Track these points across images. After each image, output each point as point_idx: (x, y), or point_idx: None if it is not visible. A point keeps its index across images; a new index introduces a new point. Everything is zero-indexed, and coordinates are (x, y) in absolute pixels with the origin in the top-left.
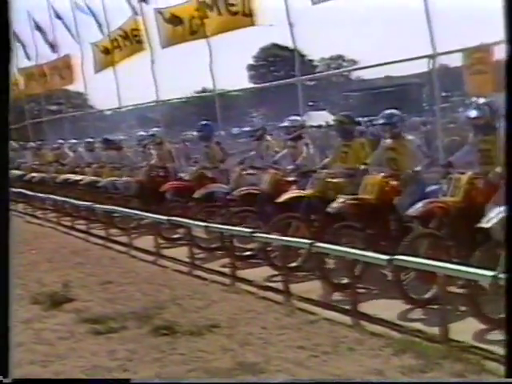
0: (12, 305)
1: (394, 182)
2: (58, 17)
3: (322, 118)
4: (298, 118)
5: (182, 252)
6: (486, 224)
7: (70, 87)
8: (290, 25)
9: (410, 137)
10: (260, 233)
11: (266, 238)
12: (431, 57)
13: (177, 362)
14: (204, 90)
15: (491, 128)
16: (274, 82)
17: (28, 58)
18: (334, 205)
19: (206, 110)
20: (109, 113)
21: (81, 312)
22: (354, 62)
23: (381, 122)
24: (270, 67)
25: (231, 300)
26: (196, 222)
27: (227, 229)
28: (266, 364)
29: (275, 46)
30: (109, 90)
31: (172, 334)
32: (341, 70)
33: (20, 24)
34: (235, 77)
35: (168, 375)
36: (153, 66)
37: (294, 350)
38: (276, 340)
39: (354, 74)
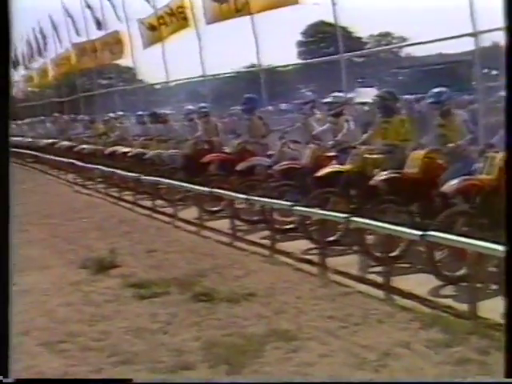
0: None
1: (439, 158)
2: None
3: (370, 94)
4: (341, 94)
5: (224, 224)
6: None
7: (121, 62)
8: (333, 3)
9: (458, 112)
10: (299, 206)
11: (304, 211)
12: (473, 35)
13: (214, 327)
14: (253, 66)
15: None
16: (317, 59)
17: (77, 33)
18: (377, 178)
19: (256, 85)
20: (158, 87)
21: (126, 277)
22: (403, 39)
23: (429, 100)
24: (320, 44)
25: (269, 270)
26: (237, 195)
27: (267, 202)
28: (297, 331)
29: (323, 23)
30: (158, 64)
31: (211, 301)
32: (388, 47)
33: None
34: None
35: (205, 339)
36: (200, 42)
37: (326, 319)
38: (309, 309)
39: (404, 51)
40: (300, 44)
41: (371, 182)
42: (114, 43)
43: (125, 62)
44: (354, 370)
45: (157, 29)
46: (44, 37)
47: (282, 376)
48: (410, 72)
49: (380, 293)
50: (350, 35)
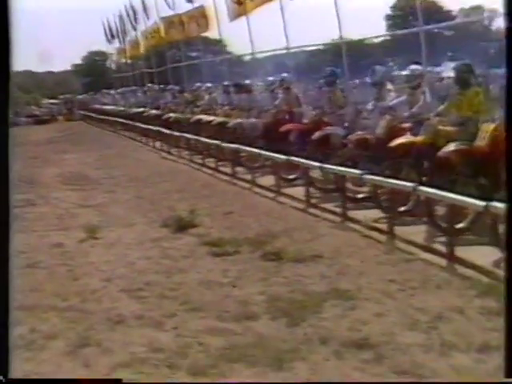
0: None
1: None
2: None
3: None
4: (419, 67)
5: (300, 191)
6: None
7: (209, 35)
8: None
9: None
10: (369, 175)
11: (373, 179)
12: None
13: (279, 284)
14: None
15: None
16: (399, 32)
17: (169, 6)
18: (445, 150)
19: (341, 58)
20: (247, 59)
21: (203, 236)
22: (495, 11)
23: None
24: (409, 17)
25: (337, 235)
26: (311, 162)
27: (339, 170)
28: (356, 291)
29: None
30: (245, 37)
31: (279, 260)
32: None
33: None
34: (371, 26)
35: (270, 293)
36: (283, 15)
37: (385, 282)
38: (371, 272)
39: (495, 24)
40: (388, 17)
41: (439, 154)
42: (200, 16)
43: (213, 34)
44: (406, 329)
45: (242, 2)
46: (134, 12)
47: (338, 332)
48: (499, 45)
49: (443, 261)
50: (440, 8)
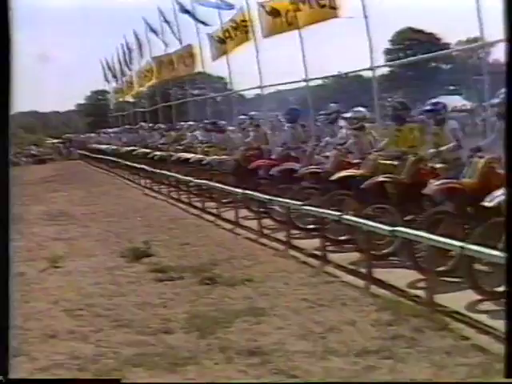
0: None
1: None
2: (185, 11)
3: (453, 102)
4: (362, 109)
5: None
6: (488, 203)
7: (212, 72)
8: (365, 17)
9: (451, 122)
10: (312, 206)
11: (312, 210)
12: None
13: (205, 304)
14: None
15: None
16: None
17: (165, 44)
18: (368, 181)
19: (340, 94)
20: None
21: (154, 264)
22: (491, 44)
23: (426, 108)
24: (407, 51)
25: (275, 262)
26: (262, 196)
27: (286, 202)
28: (269, 309)
29: (410, 29)
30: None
31: (213, 284)
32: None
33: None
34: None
35: (193, 313)
36: (257, 54)
37: (298, 301)
38: (289, 293)
39: (492, 57)
40: (387, 52)
41: (362, 185)
42: (187, 56)
43: (216, 71)
44: (298, 339)
45: (224, 42)
46: (130, 51)
47: (238, 342)
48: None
49: (361, 283)
50: (438, 41)
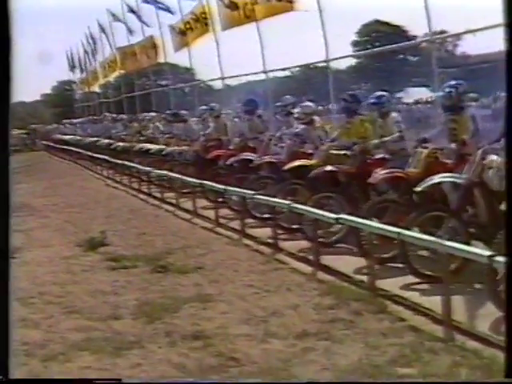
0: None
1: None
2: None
3: (419, 94)
4: (311, 104)
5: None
6: (417, 188)
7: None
8: (320, 10)
9: (393, 114)
10: (265, 196)
11: (264, 199)
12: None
13: (155, 291)
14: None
15: (458, 108)
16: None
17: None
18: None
19: (309, 85)
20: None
21: (108, 254)
22: (458, 36)
23: (371, 101)
24: (374, 43)
25: (227, 250)
26: (218, 186)
27: (240, 192)
28: (216, 296)
29: (377, 21)
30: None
31: (165, 272)
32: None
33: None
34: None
35: (143, 300)
36: (218, 46)
37: (245, 287)
38: (237, 280)
39: (459, 50)
40: (355, 43)
41: (309, 174)
42: (150, 47)
43: (183, 62)
44: (241, 323)
45: (185, 33)
46: (94, 41)
47: (183, 327)
48: (455, 71)
49: (309, 269)
50: (405, 34)
